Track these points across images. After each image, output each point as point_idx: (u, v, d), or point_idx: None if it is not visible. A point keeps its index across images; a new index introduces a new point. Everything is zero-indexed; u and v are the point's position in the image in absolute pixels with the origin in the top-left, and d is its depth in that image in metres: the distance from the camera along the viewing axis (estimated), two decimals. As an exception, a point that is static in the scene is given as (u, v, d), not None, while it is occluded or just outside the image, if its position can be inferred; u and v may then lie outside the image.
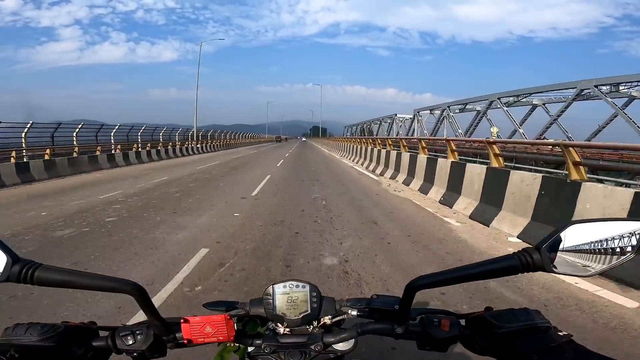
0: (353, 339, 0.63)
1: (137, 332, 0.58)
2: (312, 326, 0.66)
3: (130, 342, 0.57)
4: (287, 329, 0.65)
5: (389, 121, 52.96)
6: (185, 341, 0.58)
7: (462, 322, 0.62)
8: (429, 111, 40.63)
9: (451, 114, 35.71)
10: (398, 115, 49.95)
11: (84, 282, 0.52)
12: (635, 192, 3.51)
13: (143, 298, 0.53)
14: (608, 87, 20.83)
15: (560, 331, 0.53)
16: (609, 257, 0.50)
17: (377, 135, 33.02)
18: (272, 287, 0.67)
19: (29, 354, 0.50)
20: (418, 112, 41.26)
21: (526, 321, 0.55)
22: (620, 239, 0.49)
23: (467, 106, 34.62)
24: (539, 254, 0.51)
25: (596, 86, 20.41)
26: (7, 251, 0.50)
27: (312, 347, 0.62)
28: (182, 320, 0.57)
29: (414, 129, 41.49)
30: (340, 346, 0.63)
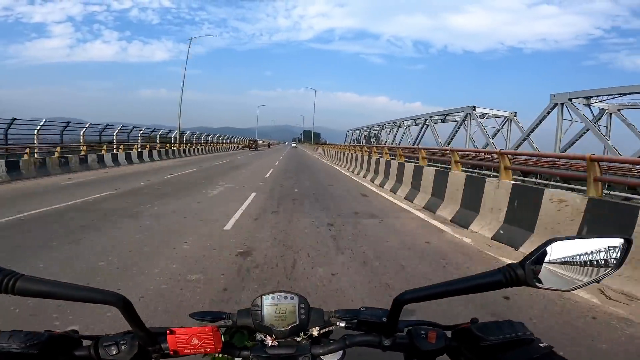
0: (341, 351, 0.64)
1: (121, 342, 0.57)
2: (300, 337, 0.65)
3: (114, 352, 0.56)
4: (275, 341, 0.64)
5: (450, 117, 33.29)
6: (171, 352, 0.56)
7: (449, 334, 0.63)
8: (585, 100, 20.99)
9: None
10: (478, 109, 28.69)
11: (67, 292, 0.51)
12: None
13: (127, 309, 0.53)
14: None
15: (542, 343, 0.55)
16: (590, 271, 0.52)
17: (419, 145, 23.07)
18: (260, 298, 0.66)
19: None
20: (570, 100, 20.96)
21: (510, 333, 0.56)
22: (600, 255, 0.52)
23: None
24: (523, 270, 0.53)
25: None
26: None
27: (300, 358, 0.62)
28: (168, 332, 0.56)
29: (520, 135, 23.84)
30: (328, 357, 0.64)
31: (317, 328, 0.66)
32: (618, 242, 0.53)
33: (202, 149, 36.04)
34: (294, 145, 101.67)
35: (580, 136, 21.31)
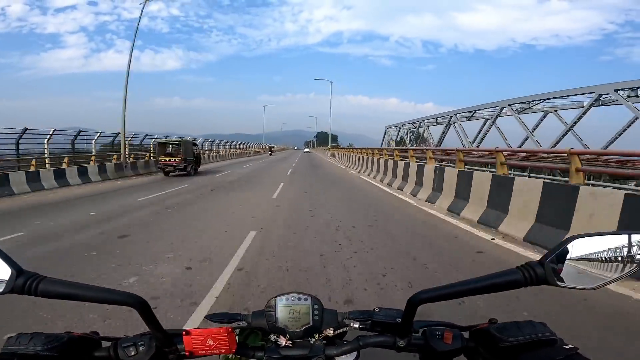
0: (355, 352, 0.63)
1: (139, 343, 0.57)
2: (314, 339, 0.65)
3: (133, 353, 0.56)
4: (289, 342, 0.64)
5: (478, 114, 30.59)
6: (187, 353, 0.57)
7: (466, 334, 0.61)
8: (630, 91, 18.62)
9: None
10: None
11: (88, 294, 0.52)
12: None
13: (145, 311, 0.53)
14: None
15: (566, 344, 0.52)
16: (612, 270, 0.49)
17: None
18: (274, 300, 0.66)
19: None
20: (616, 92, 19.34)
21: (531, 334, 0.54)
22: (624, 250, 0.49)
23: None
24: (543, 268, 0.51)
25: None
26: (11, 264, 0.51)
27: (314, 359, 0.61)
28: (183, 333, 0.57)
29: None
30: (342, 358, 0.63)
31: (331, 329, 0.65)
32: None
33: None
34: (306, 150, 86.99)
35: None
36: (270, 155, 52.76)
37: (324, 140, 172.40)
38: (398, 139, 51.37)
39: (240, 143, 50.64)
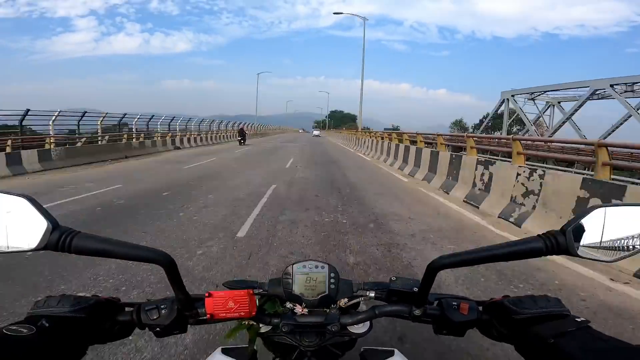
0: (368, 322, 0.65)
1: (162, 306, 0.59)
2: (329, 308, 0.67)
3: (155, 317, 0.58)
4: (305, 309, 0.66)
5: None
6: (208, 316, 0.59)
7: (480, 308, 0.62)
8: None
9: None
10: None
11: (120, 250, 0.52)
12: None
13: (172, 270, 0.54)
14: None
15: (578, 317, 0.53)
16: (635, 241, 0.49)
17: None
18: (292, 267, 0.68)
19: (59, 324, 0.51)
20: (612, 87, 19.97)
21: (544, 308, 0.55)
22: None
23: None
24: (564, 236, 0.50)
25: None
26: (48, 217, 0.49)
27: (329, 327, 0.63)
28: (206, 294, 0.59)
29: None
30: (356, 328, 0.65)
31: (346, 298, 0.67)
32: None
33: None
34: (316, 133, 71.18)
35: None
36: (242, 144, 24.48)
37: (338, 121, 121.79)
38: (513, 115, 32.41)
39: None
